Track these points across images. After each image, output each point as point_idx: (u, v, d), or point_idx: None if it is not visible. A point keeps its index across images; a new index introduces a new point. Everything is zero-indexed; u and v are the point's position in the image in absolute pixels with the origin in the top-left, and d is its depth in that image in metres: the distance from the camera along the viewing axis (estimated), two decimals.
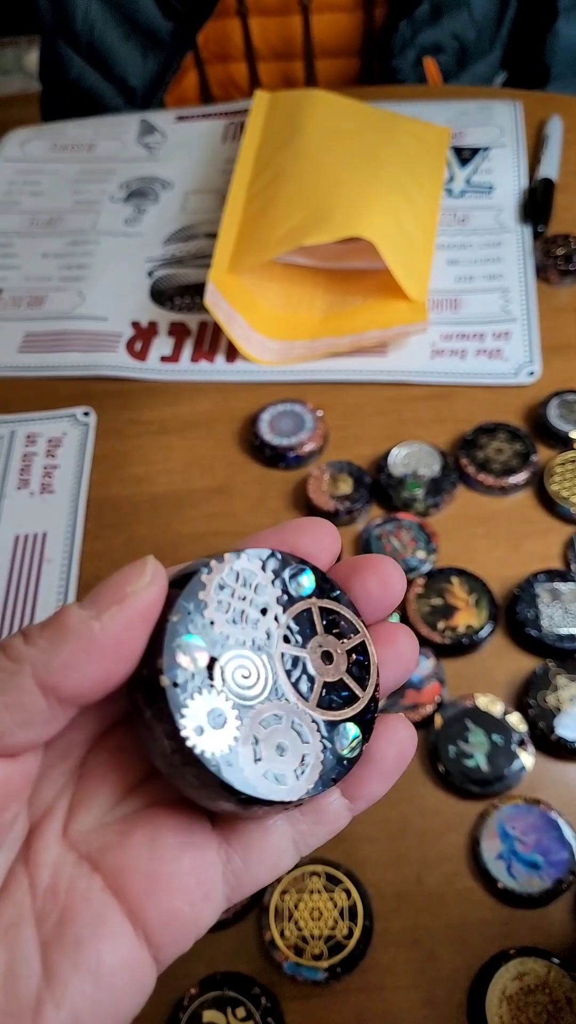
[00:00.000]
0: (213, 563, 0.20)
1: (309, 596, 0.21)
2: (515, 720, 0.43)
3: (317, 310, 0.61)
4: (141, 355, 0.61)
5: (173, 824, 0.20)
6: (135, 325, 0.63)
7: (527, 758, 0.42)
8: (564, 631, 0.45)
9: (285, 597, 0.21)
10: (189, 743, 0.18)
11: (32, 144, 0.77)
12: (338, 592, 0.21)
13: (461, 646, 0.45)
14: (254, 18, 0.85)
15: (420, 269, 0.59)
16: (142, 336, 0.62)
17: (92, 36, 0.80)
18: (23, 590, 0.51)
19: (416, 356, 0.58)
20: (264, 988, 0.37)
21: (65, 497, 0.55)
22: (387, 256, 0.56)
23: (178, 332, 0.62)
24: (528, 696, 0.43)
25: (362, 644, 0.21)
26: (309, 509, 0.52)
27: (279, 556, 0.21)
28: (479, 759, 0.42)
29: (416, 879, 0.40)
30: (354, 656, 0.21)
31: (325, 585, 0.21)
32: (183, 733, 0.18)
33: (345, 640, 0.21)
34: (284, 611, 0.21)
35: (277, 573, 0.21)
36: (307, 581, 0.21)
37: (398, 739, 0.21)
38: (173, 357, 0.61)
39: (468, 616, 0.46)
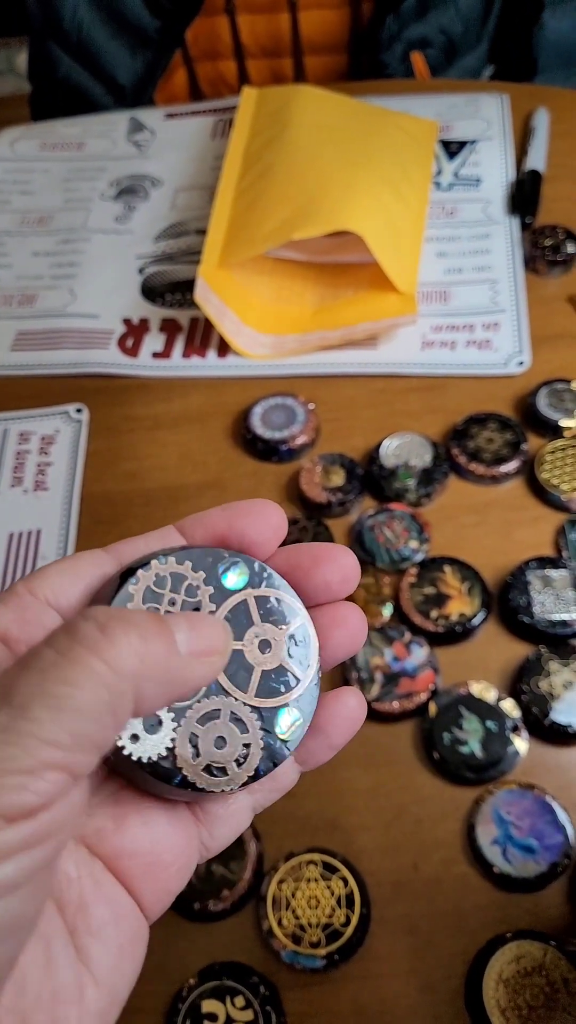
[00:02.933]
0: (140, 572, 0.20)
1: (243, 588, 0.21)
2: (509, 706, 0.43)
3: (308, 304, 0.61)
4: (133, 352, 0.61)
5: (159, 807, 0.21)
6: (126, 322, 0.63)
7: (521, 743, 0.42)
8: (556, 617, 0.45)
9: (217, 593, 0.21)
10: (126, 751, 0.19)
11: (22, 143, 0.77)
12: (274, 578, 0.22)
13: (454, 634, 0.46)
14: (242, 15, 0.85)
15: (409, 262, 0.60)
16: (133, 333, 0.62)
17: (80, 35, 0.81)
18: None
19: (406, 348, 0.59)
20: (263, 977, 0.38)
21: (59, 494, 0.55)
22: (375, 249, 0.56)
23: (169, 328, 0.62)
24: (521, 682, 0.43)
25: (301, 627, 0.22)
26: (302, 501, 0.52)
27: (208, 553, 0.21)
28: (473, 745, 0.42)
29: (412, 866, 0.40)
30: (293, 640, 0.21)
31: (261, 574, 0.22)
32: (119, 743, 0.19)
33: (283, 626, 0.21)
34: (217, 607, 0.21)
35: (208, 570, 0.21)
36: (239, 573, 0.21)
37: (346, 711, 0.22)
38: (165, 353, 0.61)
39: (461, 604, 0.46)
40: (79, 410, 0.59)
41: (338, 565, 0.22)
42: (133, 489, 0.55)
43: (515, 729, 0.42)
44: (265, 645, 0.21)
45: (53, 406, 0.59)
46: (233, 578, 0.21)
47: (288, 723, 0.21)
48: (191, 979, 0.38)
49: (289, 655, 0.21)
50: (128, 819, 0.21)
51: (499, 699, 0.43)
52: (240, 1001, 0.37)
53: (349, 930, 0.38)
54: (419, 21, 0.80)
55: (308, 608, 0.22)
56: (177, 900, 0.41)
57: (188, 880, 0.22)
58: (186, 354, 0.61)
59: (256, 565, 0.22)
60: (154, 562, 0.21)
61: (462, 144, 0.70)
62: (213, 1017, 0.37)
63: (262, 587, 0.21)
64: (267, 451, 0.55)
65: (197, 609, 0.21)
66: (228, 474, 0.55)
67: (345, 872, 0.40)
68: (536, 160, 0.67)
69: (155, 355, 0.61)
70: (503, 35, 0.85)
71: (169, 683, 0.18)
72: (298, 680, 0.21)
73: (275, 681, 0.21)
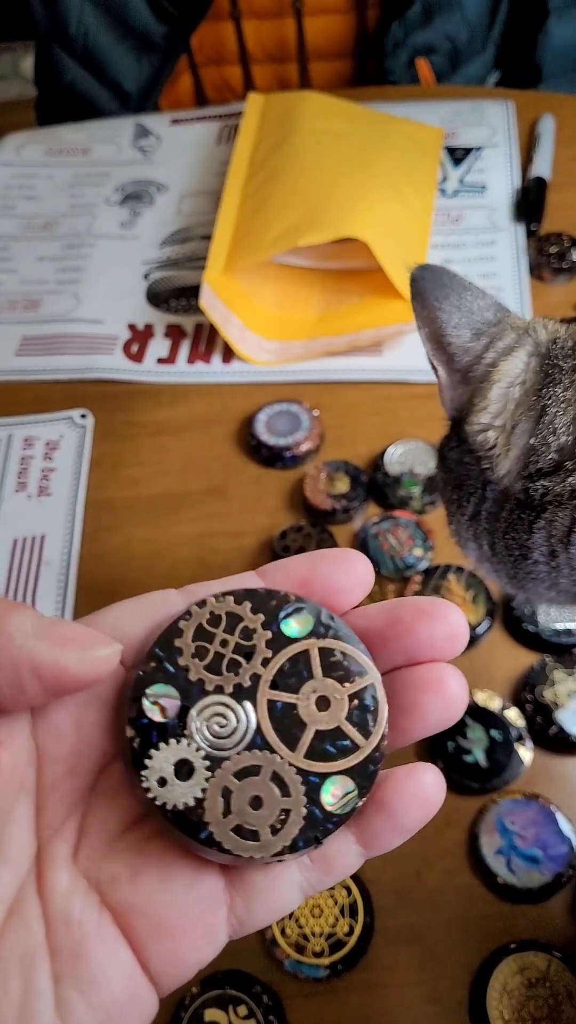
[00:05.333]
0: (193, 608, 0.20)
1: (306, 637, 0.20)
2: (513, 715, 0.43)
3: (313, 310, 0.61)
4: (137, 357, 0.61)
5: (182, 865, 0.19)
6: (131, 327, 0.63)
7: (525, 753, 0.42)
8: (561, 626, 0.45)
9: (276, 640, 0.19)
10: (151, 795, 0.18)
11: (27, 148, 0.78)
12: (343, 630, 0.20)
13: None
14: (247, 21, 0.85)
15: None
16: (138, 338, 0.62)
17: (86, 40, 0.81)
18: (22, 593, 0.51)
19: (411, 354, 0.59)
20: (265, 986, 0.38)
21: (63, 500, 0.55)
22: (381, 256, 0.56)
23: (174, 334, 0.62)
24: (526, 691, 0.43)
25: (369, 687, 0.19)
26: (306, 508, 0.52)
27: (272, 595, 0.20)
28: (478, 755, 0.42)
29: (416, 876, 0.40)
30: (357, 700, 0.19)
31: (328, 623, 0.20)
32: (144, 785, 0.18)
33: (347, 683, 0.19)
34: (274, 654, 0.19)
35: (268, 613, 0.20)
36: (302, 621, 0.20)
37: (419, 790, 0.19)
38: (169, 359, 0.61)
39: (466, 612, 0.46)
40: (84, 415, 0.59)
41: (446, 622, 0.20)
42: (137, 495, 0.55)
43: (519, 738, 0.42)
44: (323, 702, 0.19)
45: (57, 411, 0.59)
46: (295, 625, 0.20)
47: (338, 794, 0.19)
48: (193, 988, 0.38)
49: (350, 717, 0.19)
50: (144, 872, 0.19)
51: (503, 708, 0.43)
52: (243, 1010, 0.37)
53: (352, 940, 0.38)
54: (425, 28, 0.80)
55: (399, 668, 0.20)
56: None
57: (212, 955, 0.20)
58: (191, 360, 0.61)
59: (324, 614, 0.20)
60: (210, 599, 0.19)
61: (467, 151, 0.70)
62: None
63: (328, 638, 0.19)
64: (271, 457, 0.55)
65: (250, 654, 0.19)
66: (232, 480, 0.55)
67: (348, 881, 0.40)
68: (541, 167, 0.67)
69: (160, 361, 0.61)
70: (508, 42, 0.85)
71: (8, 652, 0.18)
72: (357, 747, 0.19)
73: (330, 744, 0.19)
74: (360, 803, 0.19)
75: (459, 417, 0.31)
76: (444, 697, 0.19)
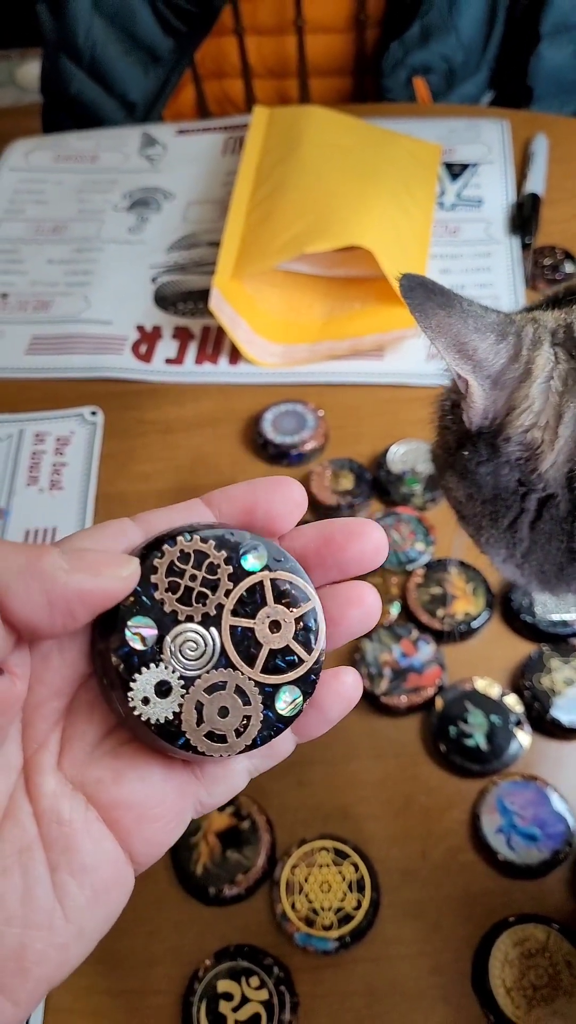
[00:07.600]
0: (166, 547, 0.22)
1: (261, 570, 0.23)
2: (512, 701, 0.45)
3: (317, 315, 0.63)
4: (146, 357, 0.63)
5: (156, 763, 0.23)
6: (140, 329, 0.65)
7: (524, 737, 0.44)
8: (557, 617, 0.47)
9: (236, 573, 0.22)
10: (136, 712, 0.21)
11: (35, 155, 0.79)
12: (291, 564, 0.23)
13: (459, 632, 0.47)
14: (250, 37, 0.88)
15: None
16: (147, 339, 0.64)
17: (94, 52, 0.83)
18: None
19: (412, 359, 0.61)
20: (276, 959, 0.39)
21: (74, 494, 0.56)
22: (384, 264, 0.59)
23: (182, 336, 0.64)
24: (524, 679, 0.45)
25: (311, 611, 0.23)
26: (312, 504, 0.54)
27: (232, 534, 0.22)
28: (479, 739, 0.44)
29: (421, 853, 0.42)
30: (302, 623, 0.23)
31: (279, 557, 0.23)
32: (130, 704, 0.21)
33: (294, 608, 0.23)
34: (235, 586, 0.22)
35: (230, 551, 0.22)
36: (258, 556, 0.23)
37: (343, 689, 0.24)
38: (177, 359, 0.63)
39: (466, 604, 0.48)
40: (94, 412, 0.60)
41: (371, 539, 0.23)
42: (147, 490, 0.57)
43: (518, 723, 0.44)
44: (275, 626, 0.22)
45: (68, 408, 0.61)
46: (252, 560, 0.22)
47: (288, 700, 0.23)
48: (207, 960, 0.39)
49: (296, 636, 0.23)
50: (126, 773, 0.22)
51: (503, 695, 0.45)
52: (255, 981, 0.38)
53: (360, 914, 0.40)
54: (422, 48, 0.83)
55: (330, 584, 0.24)
56: (193, 885, 0.42)
57: (180, 834, 0.23)
58: (198, 361, 0.62)
59: (275, 550, 0.23)
60: (180, 538, 0.22)
61: (464, 166, 0.73)
62: (229, 996, 0.38)
63: (279, 571, 0.23)
64: (278, 455, 0.56)
65: (215, 586, 0.22)
66: (240, 477, 0.56)
67: (356, 858, 0.41)
68: (535, 183, 0.70)
69: (168, 361, 0.63)
70: (502, 64, 0.88)
71: (41, 586, 0.20)
72: (302, 661, 0.23)
73: (281, 660, 0.22)
74: (304, 706, 0.23)
75: (489, 427, 0.30)
76: (365, 609, 0.24)
